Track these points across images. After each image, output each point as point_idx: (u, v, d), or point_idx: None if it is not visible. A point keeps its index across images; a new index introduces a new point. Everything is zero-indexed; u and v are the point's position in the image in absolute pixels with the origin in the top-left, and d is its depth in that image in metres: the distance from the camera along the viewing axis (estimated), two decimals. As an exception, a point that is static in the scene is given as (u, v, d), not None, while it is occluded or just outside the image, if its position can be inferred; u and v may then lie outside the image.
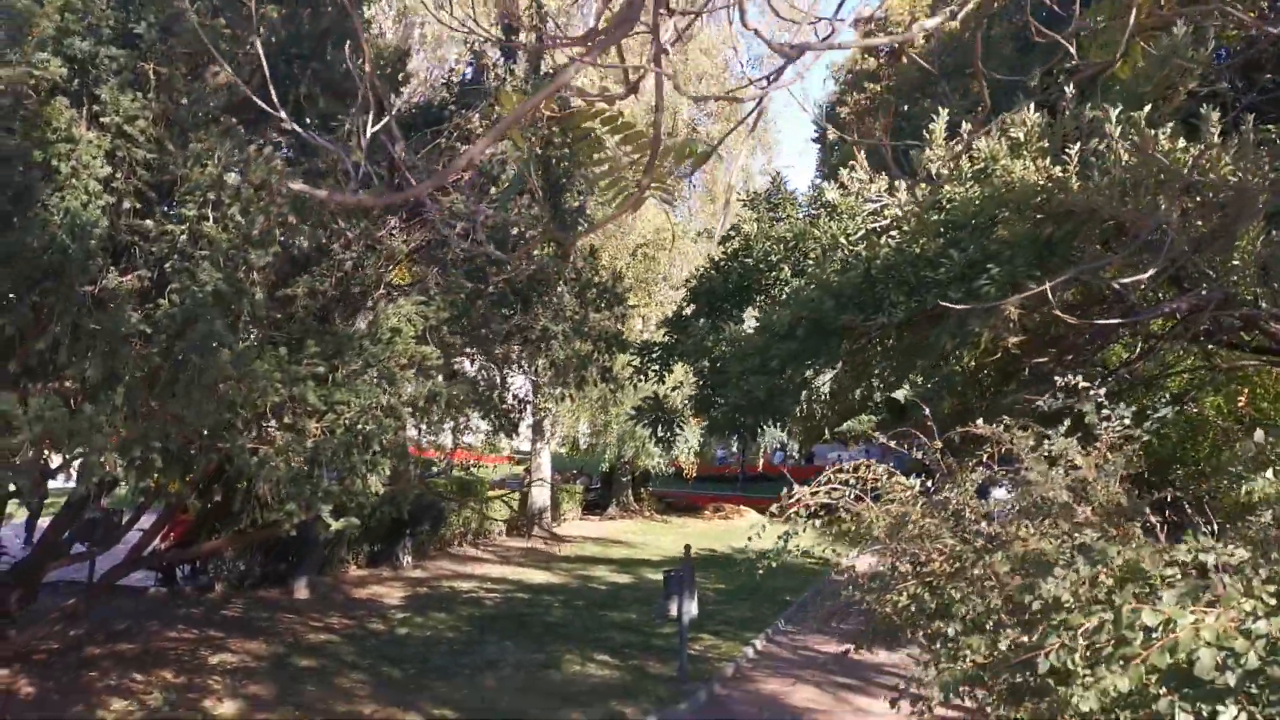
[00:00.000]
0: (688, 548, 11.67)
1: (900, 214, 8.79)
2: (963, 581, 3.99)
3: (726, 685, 11.16)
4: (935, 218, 7.48)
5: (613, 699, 10.15)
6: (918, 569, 4.41)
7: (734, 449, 36.01)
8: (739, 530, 27.72)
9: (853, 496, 4.73)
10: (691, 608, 11.10)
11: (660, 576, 19.18)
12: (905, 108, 24.72)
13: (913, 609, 4.35)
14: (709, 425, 8.49)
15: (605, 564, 20.24)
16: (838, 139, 23.85)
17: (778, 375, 7.30)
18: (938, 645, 4.00)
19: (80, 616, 11.13)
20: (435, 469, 18.42)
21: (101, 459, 5.28)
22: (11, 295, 5.32)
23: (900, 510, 4.58)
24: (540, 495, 24.01)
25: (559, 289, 9.48)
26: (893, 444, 5.36)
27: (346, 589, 16.21)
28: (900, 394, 28.09)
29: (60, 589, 13.03)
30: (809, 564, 21.56)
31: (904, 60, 32.28)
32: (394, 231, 8.51)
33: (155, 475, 6.09)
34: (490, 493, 23.06)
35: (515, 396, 11.04)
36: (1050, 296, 5.61)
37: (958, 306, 6.56)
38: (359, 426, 6.66)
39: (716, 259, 10.40)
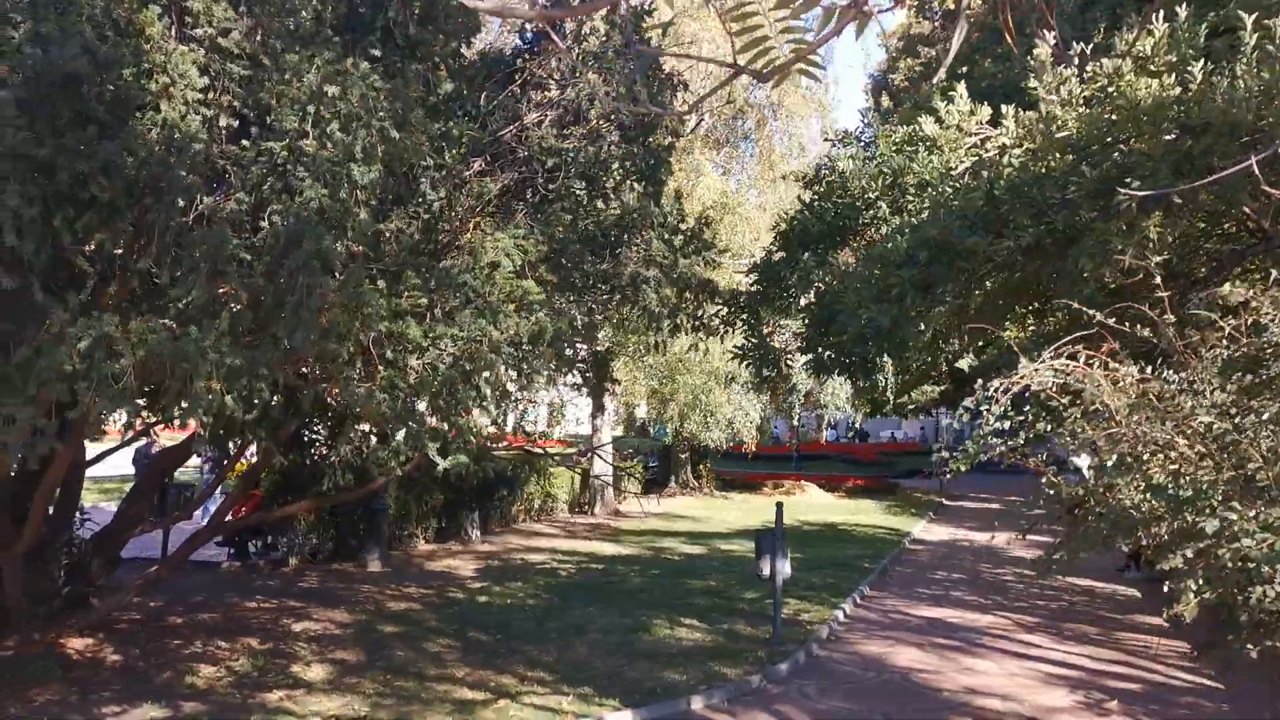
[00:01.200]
0: (779, 505, 11.21)
1: (1009, 143, 8.28)
2: (1222, 464, 3.51)
3: (824, 646, 10.74)
4: (1061, 135, 6.96)
5: (709, 661, 9.78)
6: (1159, 454, 3.92)
7: (798, 422, 35.37)
8: (802, 505, 27.33)
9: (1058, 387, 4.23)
10: (784, 568, 10.67)
11: (732, 547, 18.99)
12: (964, 70, 23.79)
13: (1151, 503, 3.85)
14: (815, 365, 8.03)
15: (673, 537, 19.86)
16: (907, 90, 23.25)
17: (899, 304, 6.84)
18: (1187, 550, 3.49)
19: (160, 586, 10.95)
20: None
21: (209, 388, 4.96)
22: (112, 209, 5.00)
23: (1144, 387, 4.07)
24: (602, 472, 23.68)
25: (647, 234, 9.06)
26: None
27: (419, 562, 15.98)
28: (964, 363, 27.38)
29: (134, 564, 12.91)
30: (880, 533, 21.12)
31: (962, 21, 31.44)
32: (480, 174, 8.15)
33: (254, 418, 5.74)
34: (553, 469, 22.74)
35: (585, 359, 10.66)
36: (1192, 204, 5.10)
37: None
38: (463, 363, 6.30)
39: (807, 200, 9.91)
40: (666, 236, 9.37)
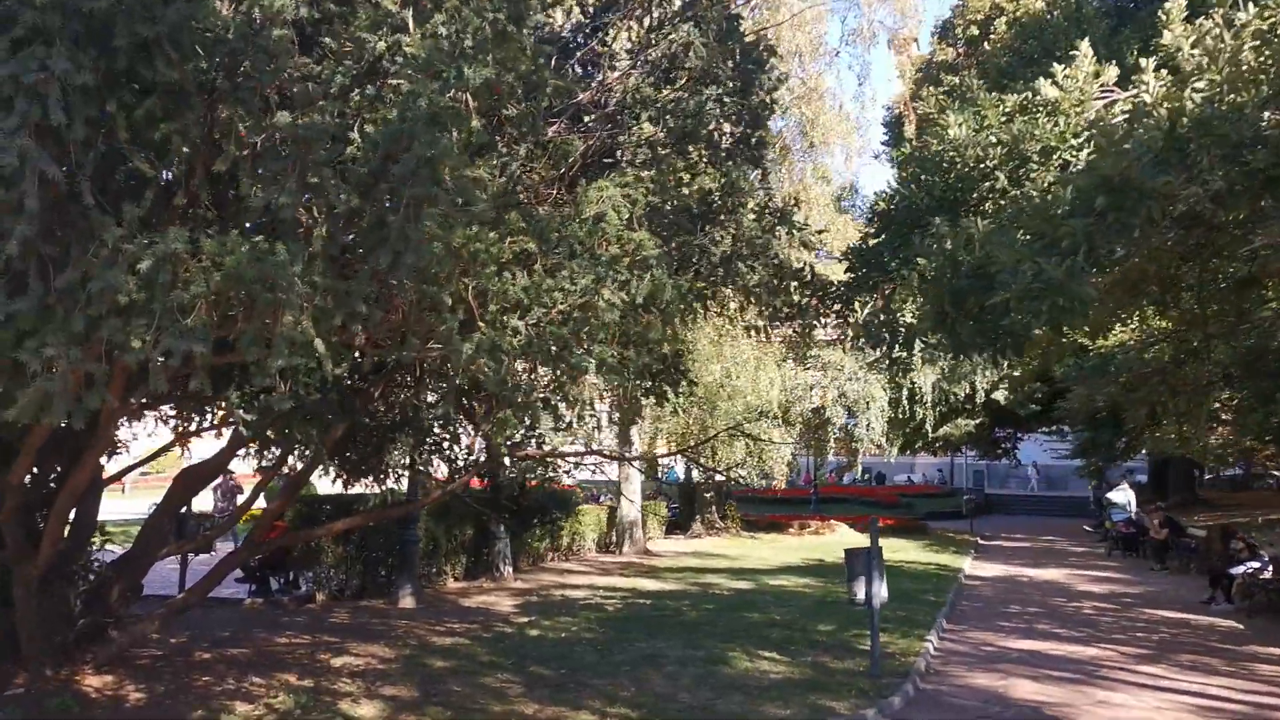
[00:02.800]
0: (874, 519, 10.14)
1: (1150, 100, 7.41)
2: None
3: (927, 679, 9.65)
4: (1254, 60, 6.07)
5: (809, 694, 8.69)
6: None
7: (825, 461, 34.22)
8: (836, 544, 26.13)
9: None
10: (881, 591, 9.60)
11: (780, 582, 17.85)
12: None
13: None
14: (952, 344, 7.05)
15: (714, 573, 18.70)
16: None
17: (1070, 256, 5.88)
18: None
19: (183, 617, 9.82)
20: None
21: (298, 325, 3.99)
22: (180, 94, 4.07)
23: None
24: (630, 509, 22.56)
25: (737, 210, 8.15)
26: None
27: (452, 598, 14.81)
28: (1000, 395, 26.37)
29: (148, 600, 11.77)
30: (931, 569, 19.98)
31: (986, 45, 31.03)
32: (563, 133, 7.24)
33: (343, 366, 4.74)
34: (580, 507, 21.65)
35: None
36: None
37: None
38: (572, 324, 5.32)
39: (907, 176, 9.02)
40: (757, 213, 8.45)
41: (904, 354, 8.12)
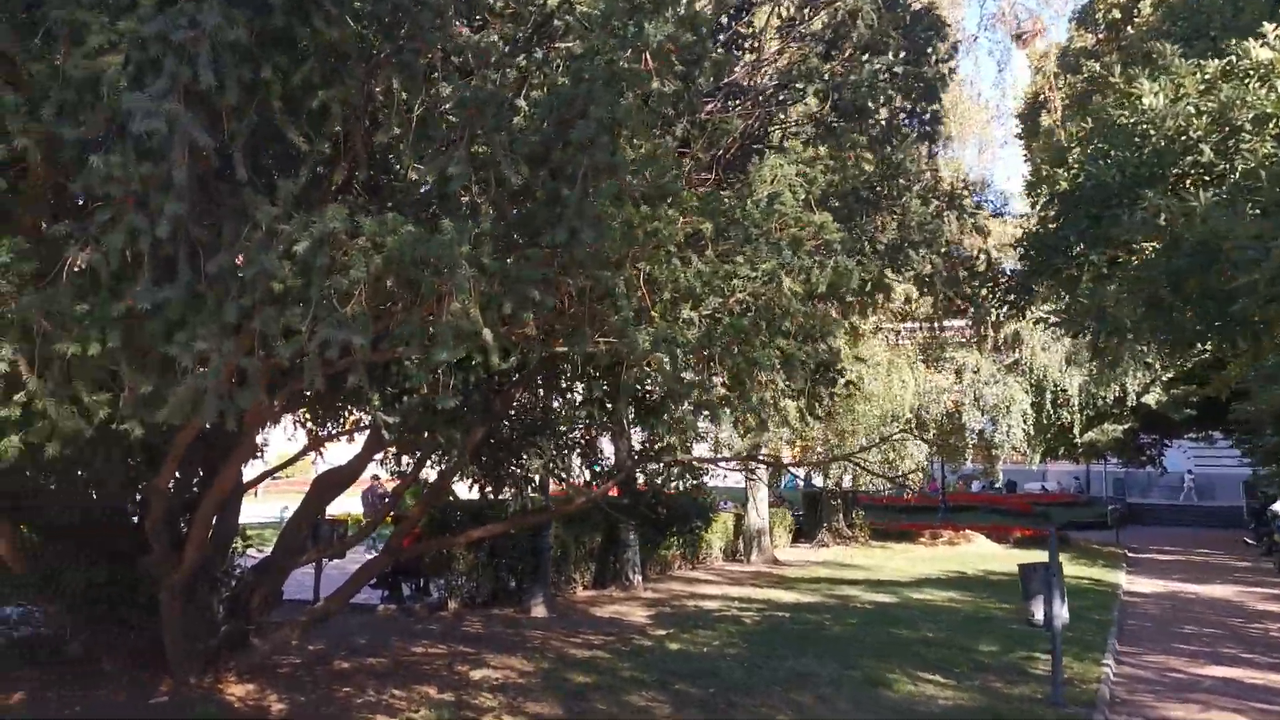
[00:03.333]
0: (1055, 529, 9.27)
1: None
2: None
3: (1115, 710, 8.72)
4: None
5: (987, 723, 7.92)
6: None
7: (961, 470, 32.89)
8: (974, 555, 24.93)
9: None
10: (1063, 611, 8.73)
11: (924, 596, 16.91)
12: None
13: None
14: (1171, 333, 6.22)
15: (850, 585, 17.85)
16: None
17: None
18: None
19: (323, 625, 9.62)
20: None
21: (466, 311, 3.54)
22: (339, 57, 3.68)
23: None
24: (757, 517, 21.84)
25: (905, 196, 7.46)
26: None
27: (582, 608, 14.41)
28: (1152, 398, 24.66)
29: (283, 606, 11.70)
30: (1084, 584, 18.70)
31: (1129, 29, 29.30)
32: (718, 111, 6.68)
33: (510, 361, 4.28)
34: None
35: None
36: None
37: None
38: (752, 315, 4.75)
39: (1089, 153, 8.17)
40: (923, 196, 7.74)
41: (1113, 342, 7.27)
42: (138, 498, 8.98)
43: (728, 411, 4.82)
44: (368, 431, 9.52)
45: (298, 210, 3.63)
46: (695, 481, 10.09)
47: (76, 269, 3.68)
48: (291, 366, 3.85)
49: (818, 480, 31.72)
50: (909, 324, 22.29)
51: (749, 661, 10.32)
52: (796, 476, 35.03)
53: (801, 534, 27.60)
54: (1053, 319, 8.33)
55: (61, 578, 7.79)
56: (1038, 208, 8.49)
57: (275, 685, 8.81)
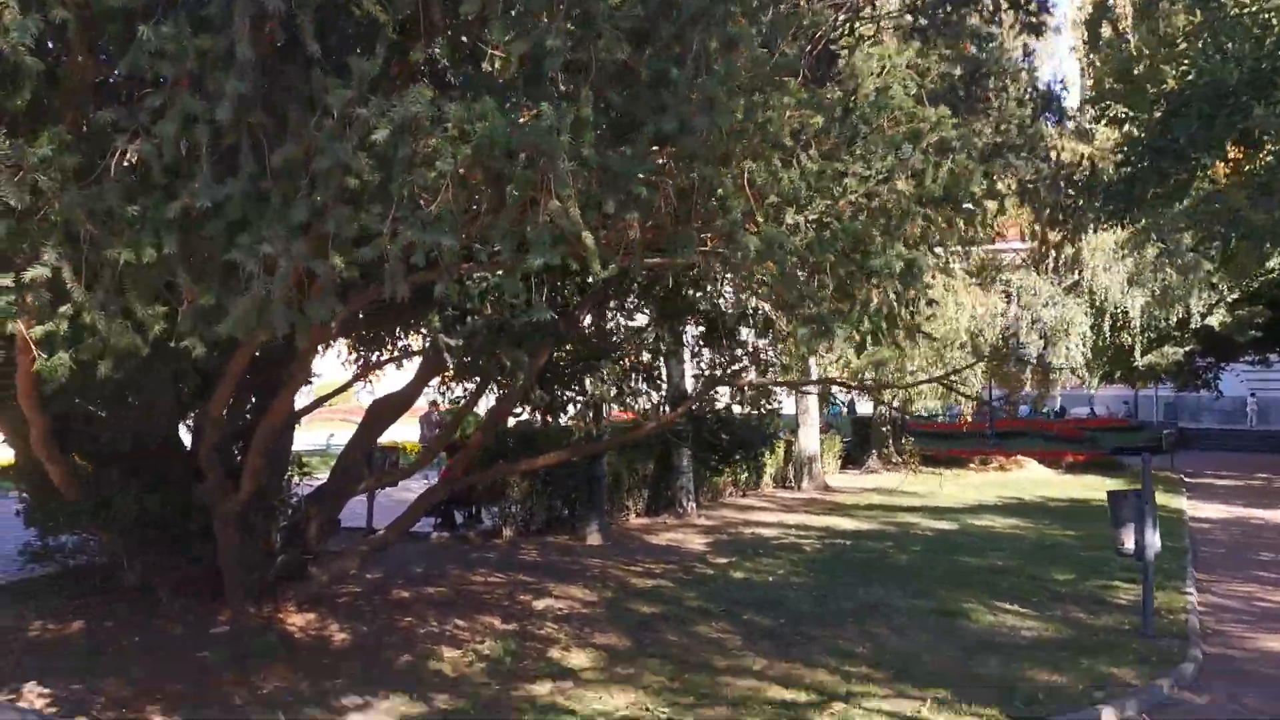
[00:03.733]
0: (1145, 457, 8.76)
1: None
2: None
3: (1210, 642, 8.30)
4: None
5: (1079, 657, 7.54)
6: None
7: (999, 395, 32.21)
8: (1027, 481, 24.44)
9: None
10: (1155, 540, 8.27)
11: (985, 522, 16.51)
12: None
13: None
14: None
15: (907, 512, 17.45)
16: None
17: None
18: None
19: (382, 554, 9.37)
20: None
21: (566, 210, 3.07)
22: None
23: None
24: (809, 443, 21.41)
25: (1002, 98, 6.82)
26: None
27: (636, 535, 14.14)
28: (1216, 319, 23.77)
29: (339, 534, 11.52)
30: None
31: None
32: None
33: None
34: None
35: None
36: None
37: None
38: (865, 218, 4.24)
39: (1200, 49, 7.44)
40: (1019, 99, 7.10)
41: (1245, 244, 6.68)
42: (189, 424, 8.71)
43: (840, 327, 4.34)
44: (420, 357, 9.17)
45: (374, 93, 3.16)
46: (769, 406, 9.65)
47: (125, 164, 3.26)
48: (368, 273, 3.42)
49: (862, 407, 31.33)
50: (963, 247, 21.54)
51: (816, 590, 10.00)
52: (840, 403, 34.60)
53: (850, 460, 27.24)
54: (1165, 227, 7.70)
55: (113, 505, 7.55)
56: (1113, 116, 7.78)
57: (335, 615, 8.60)
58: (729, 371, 8.20)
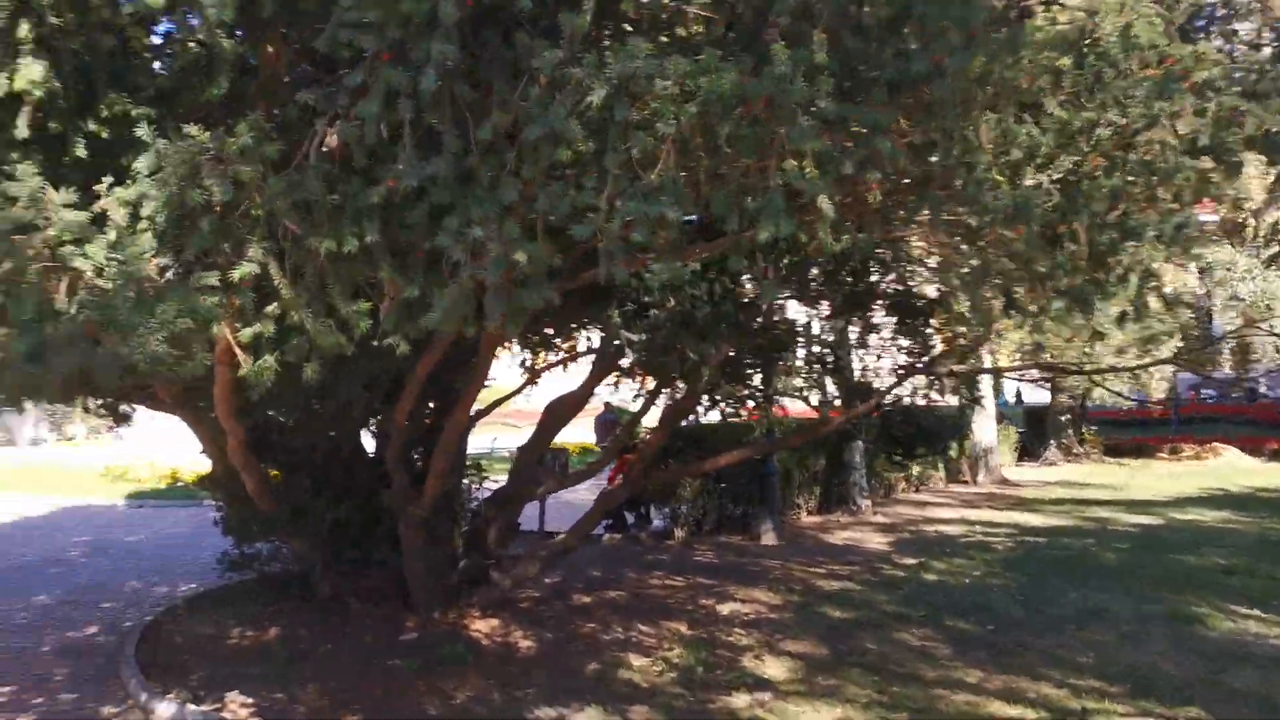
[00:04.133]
0: None
1: None
2: None
3: None
4: None
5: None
6: None
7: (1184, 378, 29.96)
8: (1228, 470, 22.62)
9: None
10: None
11: (1191, 516, 15.18)
12: None
13: None
14: None
15: (1101, 506, 16.26)
16: None
17: None
18: None
19: (565, 558, 9.19)
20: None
21: (805, 170, 2.68)
22: None
23: None
24: (986, 435, 20.28)
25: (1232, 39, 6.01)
26: None
27: (811, 534, 13.61)
28: None
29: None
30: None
31: None
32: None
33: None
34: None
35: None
36: None
37: None
38: (1120, 173, 3.66)
39: None
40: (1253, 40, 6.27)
41: None
42: (371, 429, 8.74)
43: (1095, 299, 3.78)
44: (594, 356, 8.94)
45: (587, 51, 2.85)
46: (972, 396, 9.00)
47: (324, 150, 3.07)
48: (585, 254, 3.11)
49: (1034, 396, 29.76)
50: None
51: (1021, 593, 9.28)
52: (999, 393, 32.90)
53: (1026, 452, 25.85)
54: None
55: (307, 513, 7.60)
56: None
57: (518, 620, 8.46)
58: (925, 360, 7.63)
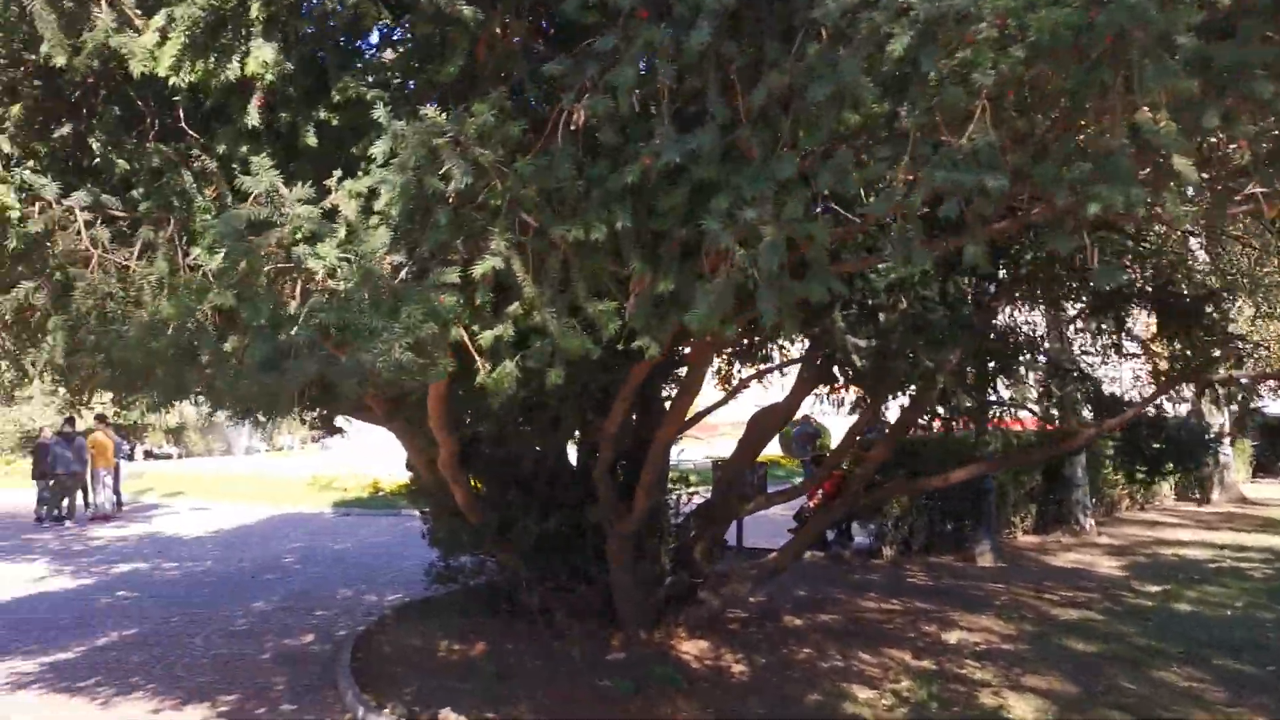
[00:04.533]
0: None
1: None
2: None
3: None
4: None
5: None
6: None
7: None
8: None
9: None
10: None
11: None
12: None
13: None
14: None
15: (1370, 529, 14.43)
16: None
17: None
18: None
19: (775, 578, 8.69)
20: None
21: (1159, 120, 2.13)
22: None
23: None
24: (1222, 451, 18.43)
25: None
26: None
27: (1031, 555, 12.60)
28: None
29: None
30: None
31: None
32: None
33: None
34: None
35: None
36: None
37: None
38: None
39: None
40: None
41: None
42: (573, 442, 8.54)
43: None
44: (804, 362, 8.42)
45: (880, -5, 2.39)
46: (1251, 405, 7.99)
47: (571, 128, 2.74)
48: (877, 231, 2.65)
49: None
50: None
51: (1299, 630, 8.14)
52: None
53: (1261, 467, 23.54)
54: None
55: (515, 527, 7.43)
56: None
57: (727, 642, 8.03)
58: (1198, 364, 6.72)
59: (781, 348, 9.28)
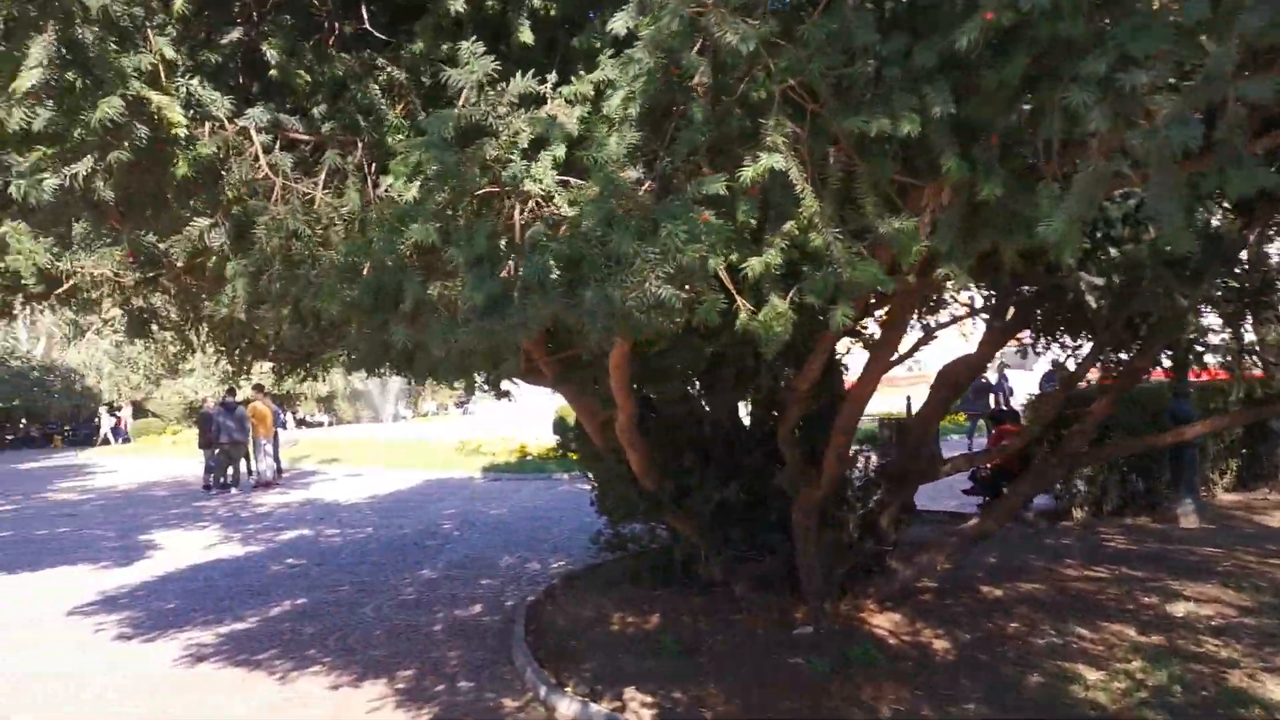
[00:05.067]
0: None
1: None
2: None
3: None
4: None
5: None
6: None
7: None
8: None
9: None
10: None
11: None
12: None
13: None
14: None
15: None
16: None
17: None
18: None
19: (967, 549, 7.94)
20: None
21: None
22: None
23: None
24: None
25: None
26: None
27: (1238, 515, 11.41)
28: None
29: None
30: None
31: None
32: None
33: None
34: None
35: None
36: None
37: None
38: None
39: None
40: None
41: None
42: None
43: None
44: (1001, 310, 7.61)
45: None
46: None
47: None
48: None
49: None
50: None
51: None
52: None
53: None
54: None
55: (693, 494, 6.93)
56: None
57: (923, 616, 7.37)
58: None
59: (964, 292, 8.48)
